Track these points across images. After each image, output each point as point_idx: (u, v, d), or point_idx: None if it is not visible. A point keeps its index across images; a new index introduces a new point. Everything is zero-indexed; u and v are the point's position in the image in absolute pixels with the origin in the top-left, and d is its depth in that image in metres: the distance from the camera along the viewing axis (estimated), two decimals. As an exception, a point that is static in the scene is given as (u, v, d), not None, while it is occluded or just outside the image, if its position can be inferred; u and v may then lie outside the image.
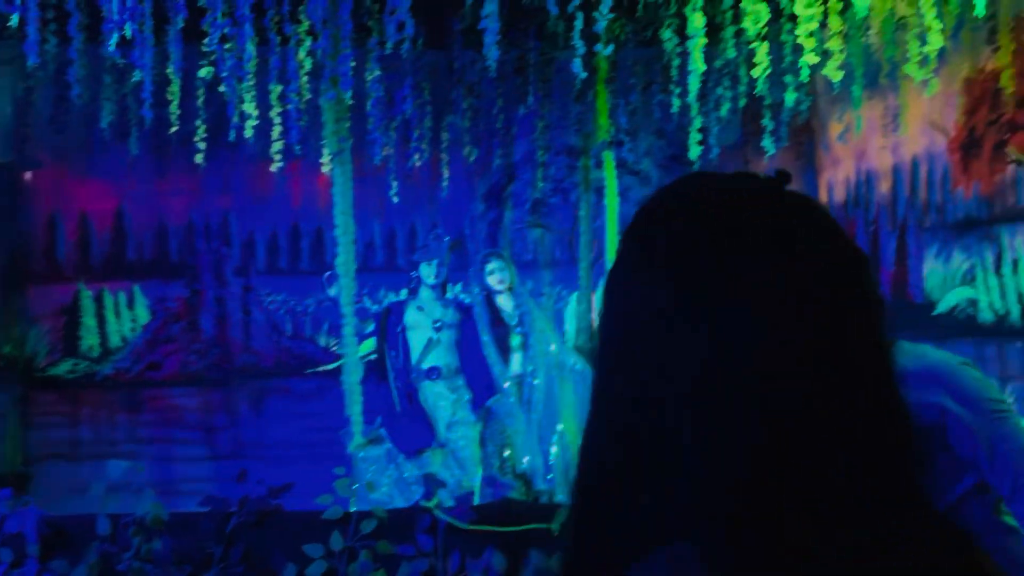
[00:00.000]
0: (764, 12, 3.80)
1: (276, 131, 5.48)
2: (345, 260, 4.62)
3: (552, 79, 5.12)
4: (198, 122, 5.60)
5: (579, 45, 3.66)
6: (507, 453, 4.23)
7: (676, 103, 4.87)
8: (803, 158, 7.33)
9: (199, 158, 5.60)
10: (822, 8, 3.51)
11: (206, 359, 6.97)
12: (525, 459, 4.22)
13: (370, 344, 7.21)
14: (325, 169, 5.80)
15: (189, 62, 4.99)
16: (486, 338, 4.53)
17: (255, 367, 7.03)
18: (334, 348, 7.15)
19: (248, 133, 5.12)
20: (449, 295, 5.05)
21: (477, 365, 4.55)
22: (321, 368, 7.09)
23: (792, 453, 0.63)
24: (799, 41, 3.43)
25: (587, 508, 0.72)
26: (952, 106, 5.96)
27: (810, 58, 3.42)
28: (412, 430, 4.36)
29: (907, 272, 6.58)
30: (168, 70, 5.00)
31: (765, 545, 0.61)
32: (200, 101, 5.63)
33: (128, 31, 3.74)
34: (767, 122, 5.00)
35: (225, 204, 7.01)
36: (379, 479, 4.15)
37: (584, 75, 3.71)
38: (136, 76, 4.28)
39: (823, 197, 7.60)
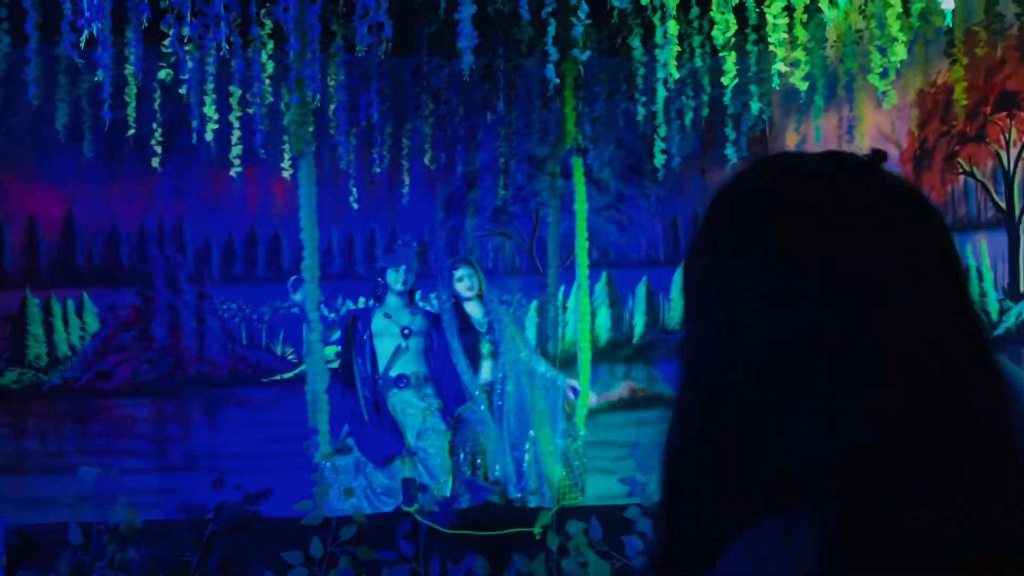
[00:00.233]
0: (733, 22, 3.86)
1: (235, 135, 5.40)
2: (311, 265, 4.55)
3: (517, 86, 5.13)
4: (155, 125, 5.49)
5: (552, 52, 3.67)
6: (479, 461, 4.20)
7: (641, 112, 4.91)
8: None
9: (155, 162, 5.49)
10: (788, 19, 3.57)
11: (158, 368, 6.81)
12: (497, 467, 4.20)
13: (329, 352, 7.13)
14: (286, 174, 5.74)
15: (146, 64, 4.89)
16: (455, 345, 4.49)
17: (209, 376, 6.89)
18: (291, 357, 7.06)
19: (209, 136, 5.03)
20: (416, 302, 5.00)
21: (446, 373, 4.51)
22: (278, 377, 6.99)
23: (911, 426, 0.64)
24: (771, 49, 3.49)
25: (684, 485, 0.71)
26: (904, 118, 6.13)
27: (781, 67, 3.48)
28: (380, 439, 4.30)
29: (860, 280, 6.72)
30: (127, 71, 4.90)
31: (887, 513, 0.62)
32: (157, 104, 5.52)
33: (93, 30, 3.63)
34: (729, 131, 5.06)
35: (179, 209, 6.87)
36: (338, 491, 4.08)
37: (557, 81, 3.72)
38: (98, 76, 4.16)
39: (777, 207, 7.74)
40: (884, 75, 4.18)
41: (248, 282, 6.98)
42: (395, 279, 4.72)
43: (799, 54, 3.69)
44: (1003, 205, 5.24)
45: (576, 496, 4.22)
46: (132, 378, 6.78)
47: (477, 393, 4.42)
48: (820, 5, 3.58)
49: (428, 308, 5.03)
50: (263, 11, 4.63)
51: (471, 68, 3.69)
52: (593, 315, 7.29)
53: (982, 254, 5.41)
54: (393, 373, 4.54)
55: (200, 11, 4.08)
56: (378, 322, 4.68)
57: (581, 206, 4.66)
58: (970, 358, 0.68)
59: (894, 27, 3.45)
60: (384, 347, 4.60)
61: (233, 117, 5.38)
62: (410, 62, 5.40)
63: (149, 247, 6.81)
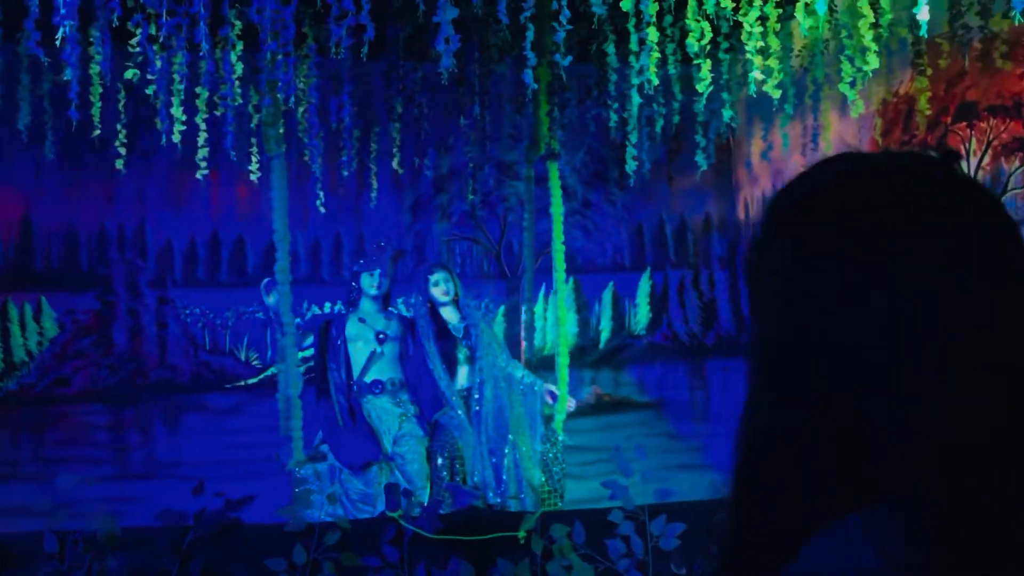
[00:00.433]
0: (708, 30, 3.90)
1: (202, 137, 5.32)
2: (284, 267, 4.49)
3: (489, 91, 5.13)
4: (119, 126, 5.38)
5: (531, 56, 3.68)
6: (458, 466, 4.17)
7: (614, 118, 4.94)
8: (723, 175, 7.55)
9: (120, 164, 5.38)
10: (763, 28, 3.62)
11: (118, 374, 6.67)
12: (476, 472, 4.17)
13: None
14: (254, 176, 5.67)
15: (111, 64, 4.80)
16: (432, 351, 4.46)
17: (170, 382, 6.77)
18: (255, 362, 6.96)
19: (177, 138, 4.95)
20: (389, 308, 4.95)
21: (422, 378, 4.48)
22: (242, 383, 6.89)
23: (1016, 426, 0.64)
24: (749, 57, 3.53)
25: (760, 478, 0.71)
26: (867, 127, 6.25)
27: (758, 75, 3.53)
28: (357, 445, 4.24)
29: (822, 286, 6.83)
30: (92, 71, 4.80)
31: (989, 513, 0.62)
32: (121, 104, 5.43)
33: (67, 28, 3.55)
34: (699, 138, 5.11)
35: (140, 212, 6.75)
36: (321, 497, 4.02)
37: (535, 86, 3.72)
38: (66, 75, 4.06)
39: (741, 214, 7.84)
40: (853, 84, 4.25)
41: (211, 286, 6.88)
42: (369, 283, 4.67)
43: (772, 63, 3.74)
44: (963, 213, 5.36)
45: (555, 502, 4.21)
46: (91, 384, 6.64)
47: (454, 399, 4.39)
48: (796, 15, 3.63)
49: (402, 313, 4.99)
50: (233, 12, 4.57)
51: (448, 71, 3.68)
52: (532, 321, 7.31)
53: (943, 261, 5.52)
54: (368, 379, 4.49)
55: (172, 11, 4.01)
56: (352, 327, 4.63)
57: (558, 210, 4.67)
58: None
59: (866, 37, 3.51)
60: (359, 352, 4.55)
61: (200, 119, 5.30)
62: (381, 65, 5.37)
63: (109, 250, 6.68)
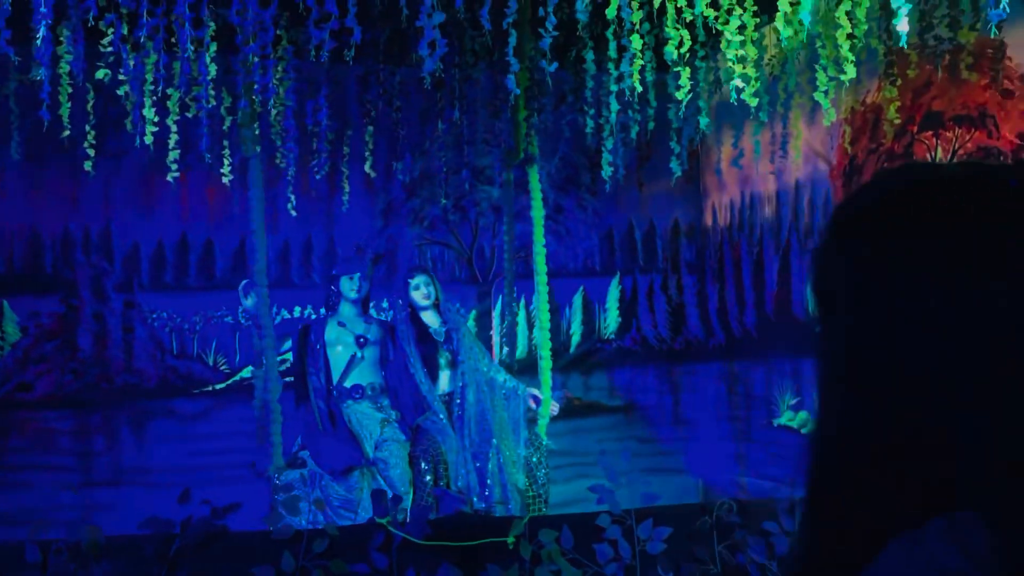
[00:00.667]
0: (687, 37, 3.94)
1: (173, 139, 5.25)
2: (262, 269, 4.44)
3: (467, 96, 5.13)
4: (87, 127, 5.29)
5: (513, 62, 3.68)
6: (441, 471, 4.15)
7: (590, 124, 4.97)
8: (692, 181, 7.63)
9: (88, 165, 5.29)
10: (741, 36, 3.67)
11: (83, 379, 6.55)
12: (460, 477, 4.15)
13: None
14: (226, 179, 5.61)
15: (79, 63, 4.72)
16: (413, 355, 4.44)
17: (137, 388, 6.66)
18: (223, 367, 6.88)
19: (149, 139, 4.88)
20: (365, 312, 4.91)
21: (403, 383, 4.45)
22: (210, 388, 6.80)
23: None
24: (730, 65, 3.58)
25: (837, 481, 0.73)
26: (834, 135, 6.36)
27: (738, 83, 3.57)
28: (337, 450, 4.20)
29: (790, 291, 6.93)
30: (61, 70, 4.72)
31: None
32: (90, 105, 5.33)
33: (43, 29, 3.48)
34: (674, 145, 5.16)
35: (106, 214, 6.64)
36: (301, 503, 3.98)
37: (518, 92, 3.73)
38: (39, 75, 3.99)
39: (708, 220, 7.93)
40: (825, 93, 4.32)
41: (179, 290, 6.79)
42: (349, 287, 4.64)
43: (750, 71, 3.79)
44: (930, 220, 5.47)
45: (540, 507, 4.21)
46: (55, 390, 6.51)
47: (436, 403, 4.37)
48: (776, 24, 3.69)
49: (381, 317, 4.96)
50: (207, 14, 4.52)
51: (431, 75, 3.67)
52: (531, 325, 7.33)
53: (910, 267, 5.63)
54: (348, 384, 4.45)
55: (151, 11, 3.96)
56: (331, 331, 4.59)
57: (538, 213, 4.67)
58: None
59: (844, 47, 3.58)
60: (338, 357, 4.51)
61: (171, 120, 5.24)
62: (356, 69, 5.35)
63: (74, 253, 6.56)
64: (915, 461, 0.69)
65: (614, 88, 4.29)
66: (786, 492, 3.36)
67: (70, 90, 4.91)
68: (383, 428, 4.30)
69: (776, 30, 4.91)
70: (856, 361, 0.74)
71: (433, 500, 3.83)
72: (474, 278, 7.31)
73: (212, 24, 4.65)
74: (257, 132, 4.87)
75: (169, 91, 5.11)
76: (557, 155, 6.61)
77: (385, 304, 6.56)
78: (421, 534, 2.76)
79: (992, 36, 3.33)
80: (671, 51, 3.97)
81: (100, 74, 4.74)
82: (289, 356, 4.65)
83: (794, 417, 6.87)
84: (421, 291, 4.60)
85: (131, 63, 4.46)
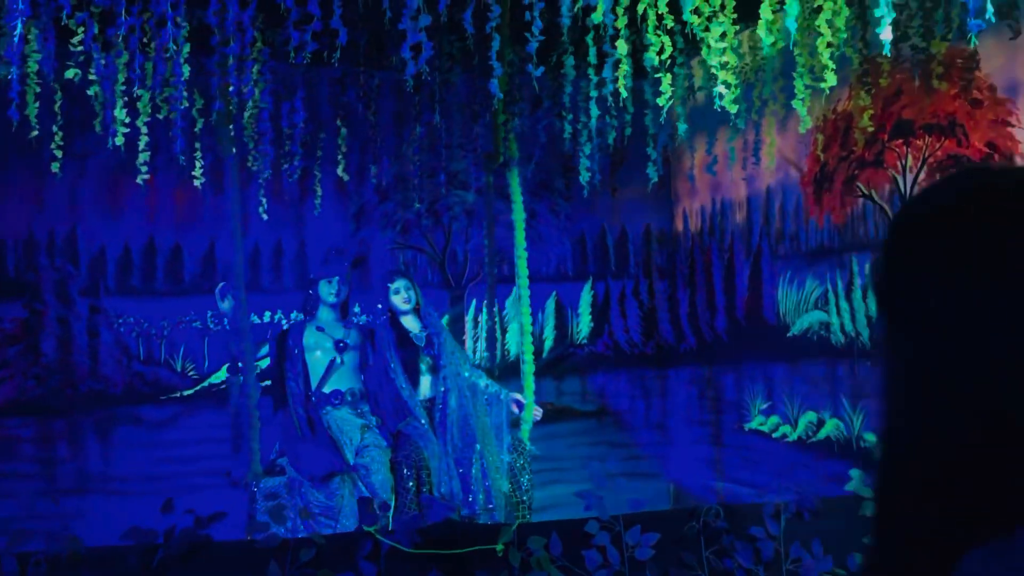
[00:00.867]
0: (668, 43, 3.95)
1: (143, 141, 5.16)
2: (240, 272, 4.37)
3: (446, 100, 5.11)
4: (55, 127, 5.18)
5: (497, 66, 3.67)
6: (424, 476, 4.10)
7: (568, 129, 4.97)
8: (663, 187, 7.66)
9: (55, 166, 5.17)
10: (725, 43, 3.69)
11: (46, 385, 6.41)
12: (443, 484, 4.10)
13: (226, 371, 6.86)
14: (197, 183, 5.52)
15: (49, 62, 4.62)
16: (393, 361, 4.39)
17: (102, 394, 6.53)
18: (191, 373, 6.77)
19: (120, 141, 4.78)
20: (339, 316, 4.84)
21: (383, 388, 4.40)
22: (177, 394, 6.69)
23: None
24: (713, 71, 3.59)
25: (915, 490, 0.72)
26: (805, 143, 6.42)
27: (722, 89, 3.59)
28: (317, 456, 4.13)
29: (761, 297, 6.99)
30: (30, 68, 4.61)
31: None
32: (58, 105, 5.22)
33: (19, 26, 3.39)
34: (651, 151, 5.18)
35: (72, 217, 6.51)
36: (285, 512, 3.91)
37: (500, 96, 3.71)
38: (10, 73, 3.89)
39: (679, 226, 7.97)
40: (803, 101, 4.36)
41: (146, 295, 6.67)
42: (328, 291, 4.58)
43: (730, 78, 3.81)
44: (900, 227, 5.55)
45: (524, 513, 4.18)
46: (17, 396, 6.36)
47: (417, 409, 4.33)
48: (759, 31, 3.71)
49: (359, 321, 4.90)
50: (183, 14, 4.44)
51: (413, 78, 3.64)
52: (504, 330, 7.31)
53: (880, 273, 5.71)
54: (327, 389, 4.39)
55: (128, 10, 3.88)
56: (310, 336, 4.52)
57: (519, 216, 4.65)
58: None
59: (824, 55, 3.61)
60: (317, 362, 4.45)
61: (141, 122, 5.14)
62: (332, 71, 5.29)
63: (38, 257, 6.42)
64: (996, 468, 0.69)
65: (594, 93, 4.29)
66: (760, 497, 3.37)
67: (38, 89, 4.81)
68: (363, 434, 4.24)
69: (754, 37, 4.96)
70: (928, 367, 0.73)
71: (416, 506, 3.78)
72: (447, 283, 7.28)
73: (185, 24, 4.57)
74: (232, 134, 4.80)
75: (139, 92, 5.02)
76: (533, 160, 6.60)
77: (357, 308, 6.50)
78: (410, 542, 2.72)
79: (972, 45, 3.38)
80: (652, 57, 3.97)
81: (70, 73, 4.64)
82: (265, 362, 4.57)
83: (765, 421, 6.92)
84: (401, 295, 4.55)
85: (103, 63, 4.36)
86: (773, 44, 3.69)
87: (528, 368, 4.52)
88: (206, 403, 6.72)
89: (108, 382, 6.57)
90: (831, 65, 3.62)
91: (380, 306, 4.56)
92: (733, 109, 3.90)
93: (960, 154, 5.10)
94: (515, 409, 4.50)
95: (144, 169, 5.19)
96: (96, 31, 4.39)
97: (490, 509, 4.08)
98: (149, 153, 5.21)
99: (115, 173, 6.49)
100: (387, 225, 7.02)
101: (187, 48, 4.78)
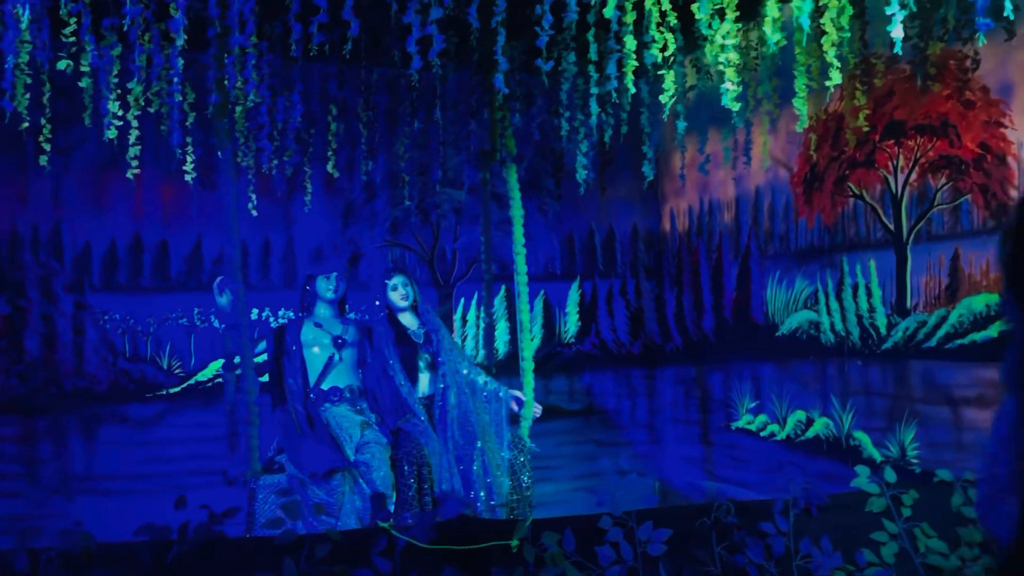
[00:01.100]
0: (672, 40, 3.96)
1: (133, 135, 5.08)
2: (237, 267, 4.32)
3: (442, 96, 5.08)
4: (43, 120, 5.09)
5: (502, 61, 3.65)
6: (425, 473, 4.07)
7: (565, 127, 4.96)
8: (652, 188, 7.68)
9: (43, 160, 5.08)
10: (734, 40, 3.70)
11: (29, 383, 6.30)
12: (444, 481, 4.08)
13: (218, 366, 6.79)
14: (188, 178, 5.45)
15: (44, 53, 4.54)
16: (392, 358, 4.36)
17: (87, 392, 6.44)
18: (177, 370, 6.69)
19: (112, 134, 4.71)
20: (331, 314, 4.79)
21: (381, 385, 4.36)
22: (164, 392, 6.61)
23: None
24: (721, 69, 3.60)
25: None
26: (795, 142, 6.47)
27: (729, 86, 3.60)
28: (318, 453, 4.09)
29: (749, 296, 7.03)
30: (21, 60, 4.53)
31: None
32: (46, 97, 5.13)
33: (26, 16, 3.33)
34: (647, 149, 5.19)
35: (56, 213, 6.41)
36: (276, 510, 3.87)
37: (506, 91, 3.69)
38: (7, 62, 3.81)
39: (667, 226, 8.00)
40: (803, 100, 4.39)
41: (132, 291, 6.58)
42: (326, 287, 4.53)
43: (733, 75, 3.82)
44: (891, 227, 5.61)
45: (524, 510, 4.16)
46: (-1, 394, 6.25)
47: (416, 406, 4.30)
48: (764, 28, 3.72)
49: (357, 318, 4.86)
50: (183, 5, 4.39)
51: (418, 72, 3.61)
52: (492, 327, 7.29)
53: (871, 272, 5.76)
54: (326, 386, 4.35)
55: (124, 2, 3.82)
56: (308, 332, 4.48)
57: (517, 213, 4.64)
58: None
59: (829, 53, 3.64)
60: (315, 358, 4.41)
61: (131, 115, 5.07)
62: (325, 67, 5.25)
63: (22, 253, 6.31)
64: None
65: (595, 91, 4.28)
66: (750, 495, 3.39)
67: (28, 80, 4.72)
68: (363, 431, 4.20)
69: (750, 36, 4.98)
70: None
71: (419, 504, 3.76)
72: (435, 281, 7.25)
73: (185, 18, 4.51)
74: (227, 129, 4.74)
75: (131, 85, 4.95)
76: (526, 159, 6.59)
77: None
78: (426, 538, 2.70)
79: (980, 44, 3.41)
80: (655, 54, 3.97)
81: (62, 64, 4.56)
82: (260, 359, 4.51)
83: (753, 420, 6.96)
84: (399, 292, 4.52)
85: (99, 55, 4.29)
86: (777, 42, 3.70)
87: (527, 365, 4.51)
88: (193, 401, 6.64)
89: (93, 380, 6.48)
90: (836, 64, 3.65)
91: (378, 303, 4.51)
92: (736, 107, 3.91)
93: (952, 155, 5.15)
94: (515, 406, 4.48)
95: (135, 163, 5.12)
96: (90, 22, 4.32)
97: (492, 506, 4.06)
98: (140, 147, 5.15)
99: (100, 167, 6.40)
100: (375, 223, 6.99)
101: (181, 40, 4.72)
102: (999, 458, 1.69)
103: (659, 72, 4.10)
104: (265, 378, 4.48)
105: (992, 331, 4.89)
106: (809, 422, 6.31)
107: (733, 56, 3.88)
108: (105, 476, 6.37)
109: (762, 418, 6.86)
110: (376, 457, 4.07)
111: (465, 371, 4.43)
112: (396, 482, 4.07)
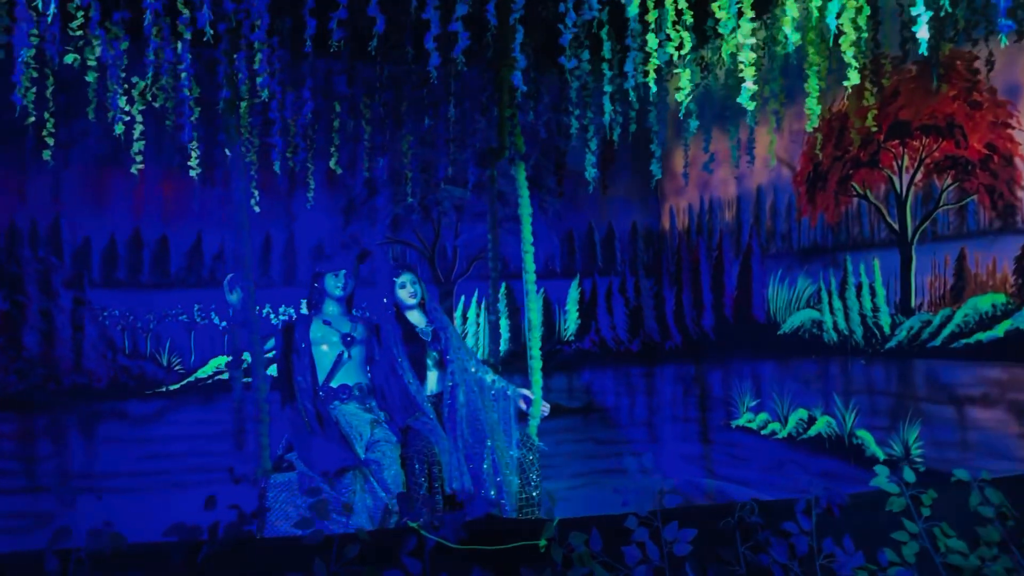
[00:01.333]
0: (688, 39, 3.95)
1: (138, 130, 5.04)
2: (247, 264, 4.28)
3: (455, 93, 5.05)
4: (46, 114, 5.03)
5: (520, 58, 3.63)
6: (436, 471, 4.05)
7: (575, 125, 4.96)
8: (651, 186, 7.69)
9: (47, 155, 5.03)
10: (753, 39, 3.69)
11: (28, 380, 6.24)
12: (454, 479, 4.06)
13: (221, 362, 6.75)
14: (193, 173, 5.41)
15: (54, 47, 4.48)
16: (400, 356, 4.33)
17: (86, 388, 6.38)
18: (177, 367, 6.64)
19: (120, 129, 4.65)
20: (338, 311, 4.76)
21: (390, 383, 4.34)
22: (163, 389, 6.56)
23: None
24: (740, 67, 3.60)
25: None
26: (797, 142, 6.49)
27: (749, 86, 3.60)
28: (329, 451, 4.06)
29: (750, 295, 7.05)
30: (28, 54, 4.47)
31: None
32: (49, 91, 5.07)
33: (53, 6, 3.28)
34: (655, 147, 5.19)
35: (55, 207, 6.34)
36: (288, 509, 3.84)
37: (524, 88, 3.68)
38: (21, 57, 3.76)
39: (666, 224, 8.01)
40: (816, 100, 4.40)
41: (132, 287, 6.53)
42: (334, 284, 4.50)
43: (748, 74, 3.82)
44: (895, 226, 5.63)
45: (533, 510, 4.14)
46: (-3, 391, 6.19)
47: (425, 404, 4.27)
48: (784, 27, 3.72)
49: (364, 316, 4.83)
50: (182, 2, 4.34)
51: (436, 69, 3.59)
52: (497, 325, 7.28)
53: (875, 272, 5.79)
54: (335, 384, 4.32)
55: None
56: (317, 330, 4.44)
57: (526, 211, 4.62)
58: None
59: (848, 53, 3.64)
60: (324, 356, 4.37)
61: (136, 110, 5.02)
62: (333, 63, 5.22)
63: (20, 248, 6.24)
64: None
65: (609, 88, 4.27)
66: (751, 493, 3.40)
67: (34, 74, 4.67)
68: (373, 429, 4.18)
69: (758, 35, 4.98)
70: None
71: (424, 503, 3.72)
72: (436, 278, 7.24)
73: (186, 11, 4.47)
74: (237, 124, 4.70)
75: (137, 80, 4.90)
76: (532, 157, 6.58)
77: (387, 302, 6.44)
78: (456, 538, 2.69)
79: (1002, 45, 3.43)
80: (671, 52, 3.97)
81: (69, 59, 4.51)
82: (273, 355, 4.48)
83: (753, 418, 6.98)
84: (407, 290, 4.50)
85: (109, 49, 4.24)
86: (795, 42, 3.71)
87: (536, 364, 4.49)
88: (192, 398, 6.60)
89: (92, 376, 6.42)
90: (855, 64, 3.65)
91: (385, 300, 4.50)
92: (751, 106, 3.91)
93: (958, 155, 5.18)
94: (523, 405, 4.47)
95: (139, 159, 5.07)
96: (99, 16, 4.27)
97: (502, 504, 4.05)
98: (144, 142, 5.10)
99: (100, 163, 6.34)
100: (376, 220, 6.96)
101: (187, 33, 4.68)
102: None
103: (674, 71, 4.10)
104: (273, 370, 4.44)
105: (998, 331, 4.92)
106: (811, 420, 6.33)
107: (751, 55, 3.88)
108: (104, 474, 6.32)
109: (763, 416, 6.88)
110: (387, 456, 4.04)
111: (473, 369, 4.42)
112: (406, 481, 4.04)
